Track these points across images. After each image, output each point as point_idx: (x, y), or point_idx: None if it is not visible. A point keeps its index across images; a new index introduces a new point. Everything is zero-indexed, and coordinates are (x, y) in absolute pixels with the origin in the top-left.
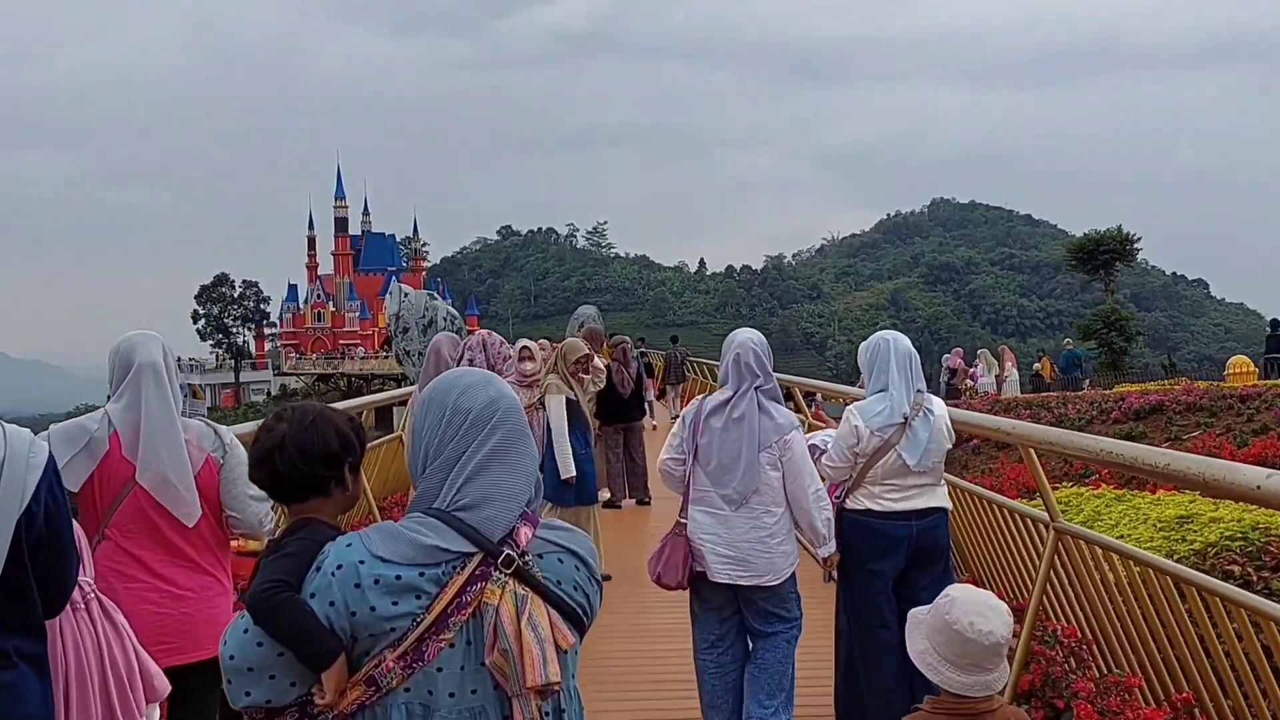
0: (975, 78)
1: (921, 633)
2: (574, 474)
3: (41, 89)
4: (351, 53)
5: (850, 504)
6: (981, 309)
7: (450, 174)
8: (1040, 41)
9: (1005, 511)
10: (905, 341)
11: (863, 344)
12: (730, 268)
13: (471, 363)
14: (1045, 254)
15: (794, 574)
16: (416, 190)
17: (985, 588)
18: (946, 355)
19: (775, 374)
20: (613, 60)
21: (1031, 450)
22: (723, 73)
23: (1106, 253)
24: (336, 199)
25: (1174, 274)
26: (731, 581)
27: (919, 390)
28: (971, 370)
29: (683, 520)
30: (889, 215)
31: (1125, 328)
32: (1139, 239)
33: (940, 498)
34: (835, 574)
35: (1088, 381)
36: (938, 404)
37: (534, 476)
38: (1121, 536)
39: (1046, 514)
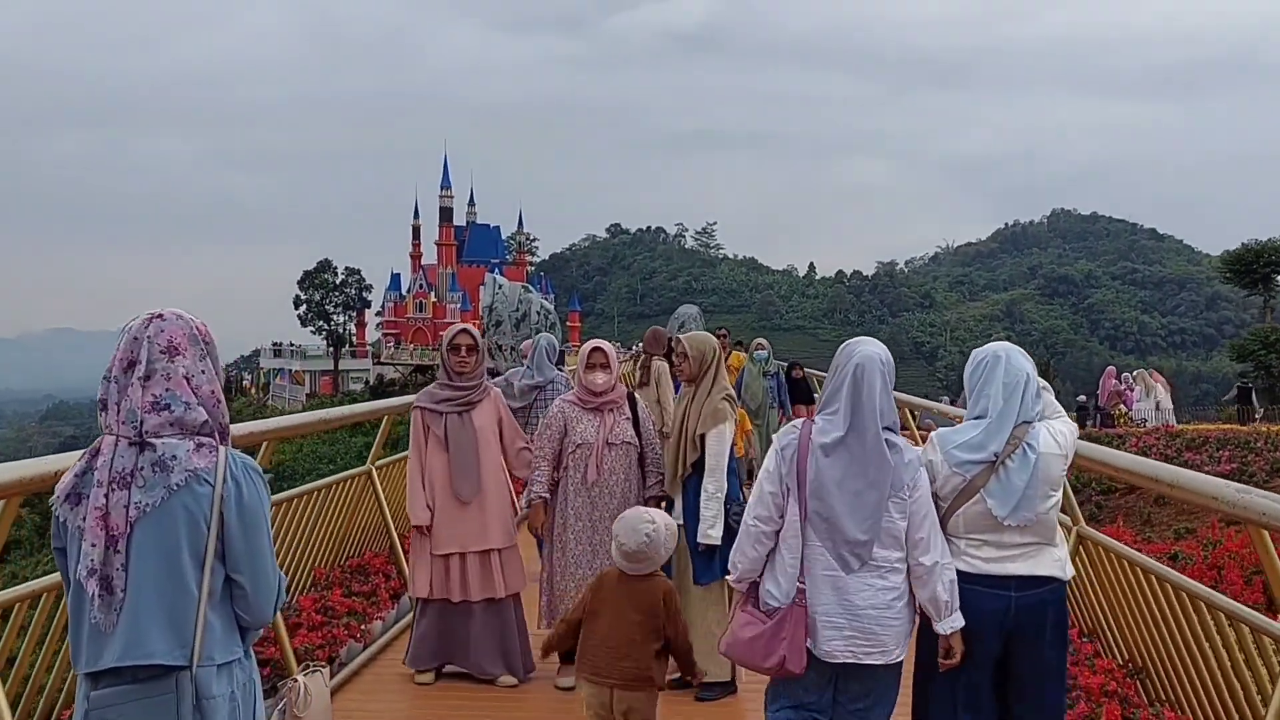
0: (1100, 88)
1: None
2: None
3: (168, 73)
4: (463, 46)
5: None
6: (1100, 324)
7: (560, 170)
8: (1172, 53)
9: None
10: (1021, 359)
11: (972, 353)
12: (840, 273)
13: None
14: (1171, 269)
15: None
16: (524, 185)
17: None
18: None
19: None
20: (725, 62)
21: None
22: (837, 78)
23: (1268, 264)
24: (442, 189)
25: None
26: (855, 660)
27: (1026, 421)
28: (1127, 393)
29: (802, 585)
30: (1006, 225)
31: None
32: None
33: (1049, 564)
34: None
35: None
36: (1047, 438)
37: None
38: None
39: None
